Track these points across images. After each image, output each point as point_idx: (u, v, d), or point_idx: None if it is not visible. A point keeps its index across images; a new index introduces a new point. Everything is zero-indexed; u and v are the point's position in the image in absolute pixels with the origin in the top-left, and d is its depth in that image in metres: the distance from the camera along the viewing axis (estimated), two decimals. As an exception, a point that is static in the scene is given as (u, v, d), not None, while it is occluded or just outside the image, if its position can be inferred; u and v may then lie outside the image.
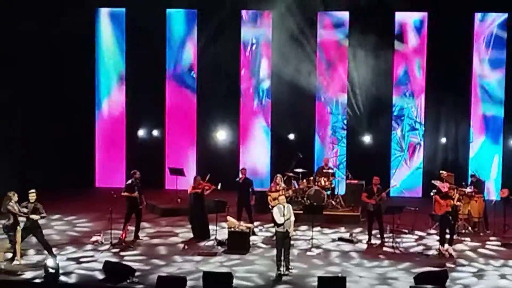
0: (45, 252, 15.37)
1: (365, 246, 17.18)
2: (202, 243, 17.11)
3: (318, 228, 18.40)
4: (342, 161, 23.04)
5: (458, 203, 16.61)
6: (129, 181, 17.47)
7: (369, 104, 22.71)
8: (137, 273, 14.40)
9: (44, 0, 21.90)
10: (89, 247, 16.63)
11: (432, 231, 18.06)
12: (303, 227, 18.23)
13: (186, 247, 16.88)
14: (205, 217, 17.63)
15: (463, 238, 17.71)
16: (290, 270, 14.89)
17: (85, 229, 18.30)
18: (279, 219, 14.81)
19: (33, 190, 15.16)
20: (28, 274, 14.49)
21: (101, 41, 23.66)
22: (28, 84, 21.89)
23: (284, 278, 14.60)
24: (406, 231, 18.27)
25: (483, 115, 22.64)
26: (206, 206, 17.60)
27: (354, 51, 22.52)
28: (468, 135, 22.59)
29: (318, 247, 16.95)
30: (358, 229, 18.54)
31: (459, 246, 17.03)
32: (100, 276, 14.51)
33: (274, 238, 15.66)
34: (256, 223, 18.55)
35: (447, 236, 16.42)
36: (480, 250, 16.96)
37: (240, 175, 18.73)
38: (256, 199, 18.70)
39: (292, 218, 14.98)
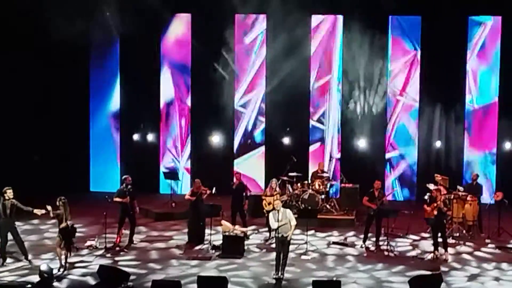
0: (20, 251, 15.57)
1: (359, 250, 17.19)
2: (197, 247, 17.09)
3: (313, 232, 18.40)
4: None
5: (439, 202, 16.50)
6: (121, 187, 17.46)
7: (364, 108, 22.75)
8: (131, 278, 14.34)
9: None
10: (83, 251, 16.59)
11: (427, 235, 18.09)
12: (298, 231, 18.21)
13: (181, 251, 16.86)
14: (201, 221, 17.60)
15: (457, 242, 17.74)
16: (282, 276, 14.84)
17: (79, 234, 18.21)
18: (273, 224, 14.81)
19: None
20: (20, 279, 14.50)
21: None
22: (21, 87, 21.87)
23: (278, 282, 14.58)
24: (401, 234, 18.28)
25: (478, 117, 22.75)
26: (203, 210, 17.58)
27: (349, 55, 22.55)
28: (462, 138, 22.62)
29: (312, 251, 16.95)
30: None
31: (453, 250, 17.03)
32: (94, 281, 14.46)
33: (273, 241, 15.65)
34: (251, 227, 18.55)
35: (441, 240, 16.43)
36: (474, 253, 16.98)
37: (235, 180, 18.71)
38: (249, 204, 18.63)
39: (294, 223, 14.91)
